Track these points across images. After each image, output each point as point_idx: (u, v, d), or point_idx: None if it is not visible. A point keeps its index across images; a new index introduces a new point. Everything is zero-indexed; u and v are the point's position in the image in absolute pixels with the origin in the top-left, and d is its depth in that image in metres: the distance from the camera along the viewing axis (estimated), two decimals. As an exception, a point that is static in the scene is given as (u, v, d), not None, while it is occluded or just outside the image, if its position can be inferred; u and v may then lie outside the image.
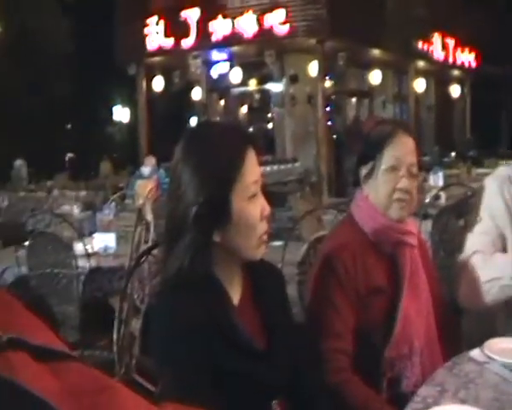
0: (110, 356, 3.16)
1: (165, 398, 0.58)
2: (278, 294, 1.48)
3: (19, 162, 13.78)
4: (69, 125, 20.18)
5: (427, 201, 3.86)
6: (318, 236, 2.36)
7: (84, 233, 4.60)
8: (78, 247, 3.82)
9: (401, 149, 1.75)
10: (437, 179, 5.92)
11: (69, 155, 19.32)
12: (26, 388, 0.45)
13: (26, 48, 17.16)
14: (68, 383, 0.48)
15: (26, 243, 4.07)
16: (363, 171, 1.80)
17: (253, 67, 12.92)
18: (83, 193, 7.90)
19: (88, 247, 3.86)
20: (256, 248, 1.36)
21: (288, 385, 1.42)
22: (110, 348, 3.22)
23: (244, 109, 14.65)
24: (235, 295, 1.38)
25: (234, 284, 1.39)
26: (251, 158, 1.34)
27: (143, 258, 1.97)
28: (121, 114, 20.70)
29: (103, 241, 4.00)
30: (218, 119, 13.33)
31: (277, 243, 3.22)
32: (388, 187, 1.75)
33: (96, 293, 3.66)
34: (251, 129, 12.82)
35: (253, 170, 1.34)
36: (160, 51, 12.52)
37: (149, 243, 4.00)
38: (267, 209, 1.36)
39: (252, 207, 1.33)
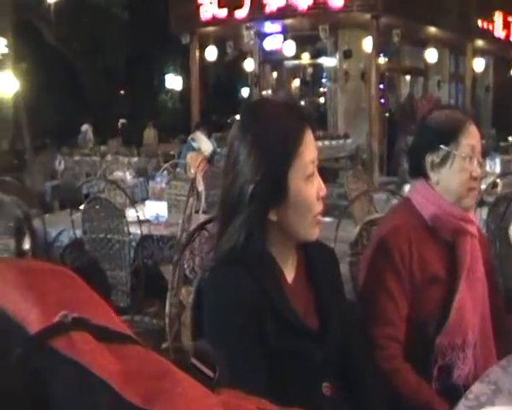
0: (159, 323, 3.25)
1: (222, 384, 0.54)
2: (332, 274, 1.48)
3: (85, 127, 14.21)
4: (122, 92, 20.48)
5: (483, 188, 3.75)
6: (372, 218, 2.33)
7: (136, 200, 4.68)
8: (131, 213, 3.90)
9: (474, 138, 1.73)
10: (494, 165, 5.73)
11: (122, 120, 19.67)
12: (90, 369, 0.45)
13: (84, 15, 17.46)
14: (129, 367, 0.47)
15: (82, 207, 4.19)
16: (433, 159, 1.74)
17: (306, 41, 12.73)
18: (135, 159, 8.00)
19: (140, 214, 3.94)
20: (311, 227, 1.36)
21: (339, 367, 1.41)
22: (159, 316, 3.30)
23: (296, 83, 14.51)
24: (289, 274, 1.39)
25: (288, 263, 1.39)
26: (309, 137, 1.34)
27: (197, 233, 1.99)
28: (173, 82, 20.89)
29: (155, 209, 4.06)
30: (270, 91, 13.26)
31: (327, 220, 3.21)
32: (465, 176, 1.71)
33: (147, 260, 3.73)
34: (302, 103, 12.70)
35: (310, 149, 1.34)
36: (214, 21, 12.47)
37: (200, 213, 4.05)
38: (323, 190, 1.36)
39: (309, 187, 1.33)
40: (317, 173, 1.35)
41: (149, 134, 15.19)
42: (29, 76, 13.67)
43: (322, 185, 1.36)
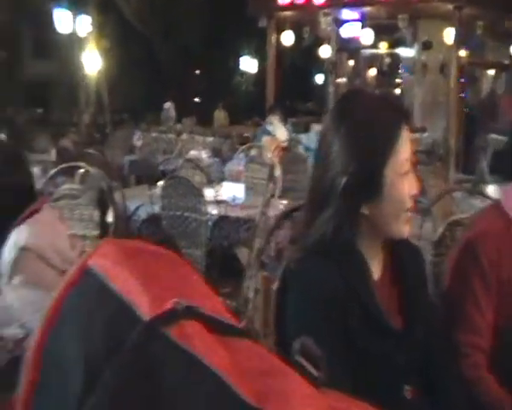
0: (233, 304, 3.31)
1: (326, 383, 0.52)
2: (418, 273, 1.45)
3: (168, 104, 14.66)
4: (198, 71, 20.73)
5: None
6: (456, 218, 2.29)
7: (211, 180, 4.74)
8: (208, 193, 3.97)
9: None
10: None
11: (196, 100, 19.95)
12: (202, 360, 0.44)
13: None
14: (240, 362, 0.45)
15: (159, 183, 4.30)
16: None
17: (384, 30, 12.45)
18: (210, 139, 8.08)
19: (217, 194, 4.01)
20: (403, 224, 1.34)
21: (422, 370, 1.38)
22: (233, 297, 3.37)
23: (372, 72, 14.25)
24: (376, 271, 1.37)
25: (375, 260, 1.37)
26: (406, 134, 1.33)
27: (282, 221, 2.01)
28: (249, 64, 20.96)
29: (232, 190, 4.12)
30: (345, 79, 13.10)
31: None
32: None
33: (222, 241, 3.80)
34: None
35: (406, 146, 1.33)
36: (292, 6, 12.40)
37: (276, 198, 4.08)
38: (416, 188, 1.35)
39: (404, 184, 1.31)
40: (411, 171, 1.34)
41: (220, 115, 15.36)
42: (110, 53, 14.05)
43: (416, 183, 1.35)
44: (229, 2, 16.64)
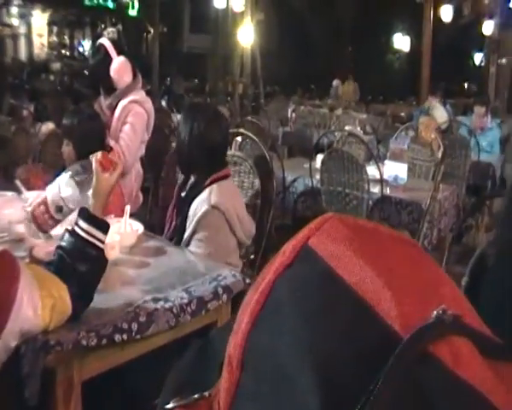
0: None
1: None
2: None
3: (336, 82, 14.95)
4: (350, 49, 20.47)
5: None
6: None
7: (372, 157, 4.62)
8: (369, 171, 3.86)
9: None
10: None
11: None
12: (485, 395, 0.34)
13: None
14: None
15: (319, 156, 4.26)
16: None
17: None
18: (363, 116, 7.92)
19: (377, 173, 3.88)
20: None
21: None
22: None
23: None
24: None
25: None
26: None
27: (481, 205, 1.90)
28: (401, 42, 20.29)
29: (394, 170, 3.97)
30: (506, 59, 12.22)
31: None
32: None
33: (382, 222, 3.71)
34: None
35: None
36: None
37: (437, 179, 3.88)
38: None
39: None
40: None
41: (348, 89, 15.06)
42: (263, 27, 14.30)
43: None
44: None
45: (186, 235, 2.31)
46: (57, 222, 2.06)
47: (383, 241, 0.41)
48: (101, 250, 1.62)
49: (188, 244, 2.32)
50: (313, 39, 18.46)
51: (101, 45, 3.17)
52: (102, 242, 1.63)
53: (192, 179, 2.44)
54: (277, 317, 0.39)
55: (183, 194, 2.46)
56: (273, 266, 0.41)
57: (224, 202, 2.29)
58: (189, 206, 2.33)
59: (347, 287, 0.37)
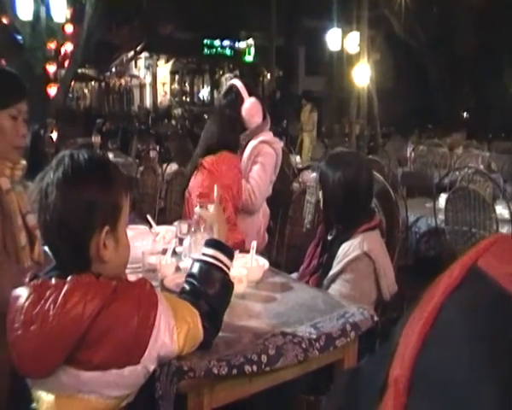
0: None
1: None
2: None
3: None
4: (467, 87, 19.75)
5: None
6: None
7: (498, 196, 4.38)
8: (498, 210, 3.67)
9: None
10: None
11: (465, 114, 19.10)
12: None
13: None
14: None
15: (443, 195, 4.12)
16: None
17: None
18: (486, 154, 7.54)
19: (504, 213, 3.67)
20: None
21: None
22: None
23: None
24: None
25: None
26: None
27: None
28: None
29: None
30: None
31: None
32: None
33: None
34: None
35: None
36: None
37: None
38: None
39: None
40: None
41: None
42: (379, 67, 14.24)
43: None
44: (507, 14, 15.49)
45: (332, 272, 2.30)
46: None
47: None
48: (227, 274, 1.66)
49: (332, 281, 2.30)
50: (430, 78, 18.08)
51: (233, 86, 3.21)
52: (228, 267, 1.67)
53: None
54: (448, 337, 0.39)
55: (329, 236, 2.45)
56: (439, 288, 0.41)
57: (375, 252, 2.28)
58: (338, 247, 2.33)
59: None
